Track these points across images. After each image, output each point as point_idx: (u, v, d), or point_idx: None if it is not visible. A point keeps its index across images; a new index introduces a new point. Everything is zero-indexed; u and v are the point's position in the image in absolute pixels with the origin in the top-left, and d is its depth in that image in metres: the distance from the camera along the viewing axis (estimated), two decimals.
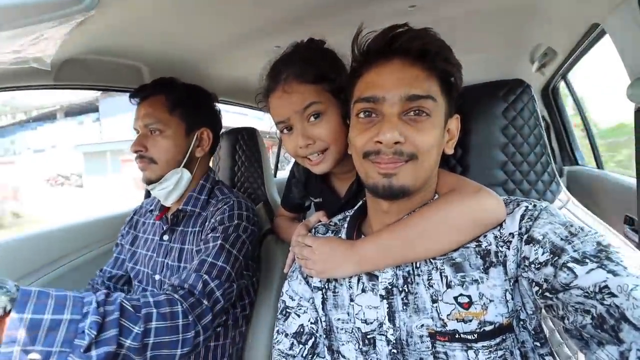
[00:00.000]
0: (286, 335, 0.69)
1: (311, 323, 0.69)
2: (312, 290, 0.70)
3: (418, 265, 0.59)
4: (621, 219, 1.14)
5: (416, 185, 0.56)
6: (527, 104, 0.79)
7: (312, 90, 0.76)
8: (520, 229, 0.53)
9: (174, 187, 0.98)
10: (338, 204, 0.90)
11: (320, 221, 0.82)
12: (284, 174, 2.81)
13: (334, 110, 0.77)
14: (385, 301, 0.59)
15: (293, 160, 1.01)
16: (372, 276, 0.62)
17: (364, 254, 0.61)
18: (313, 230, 0.79)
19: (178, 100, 0.98)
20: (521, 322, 0.53)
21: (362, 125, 0.58)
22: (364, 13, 1.07)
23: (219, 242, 0.84)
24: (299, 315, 0.69)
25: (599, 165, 1.66)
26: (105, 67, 1.11)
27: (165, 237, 1.01)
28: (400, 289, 0.59)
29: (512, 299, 0.52)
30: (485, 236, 0.56)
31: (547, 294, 0.46)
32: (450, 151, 0.62)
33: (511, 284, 0.53)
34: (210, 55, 1.27)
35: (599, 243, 0.45)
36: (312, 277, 0.70)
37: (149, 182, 0.97)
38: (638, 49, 0.79)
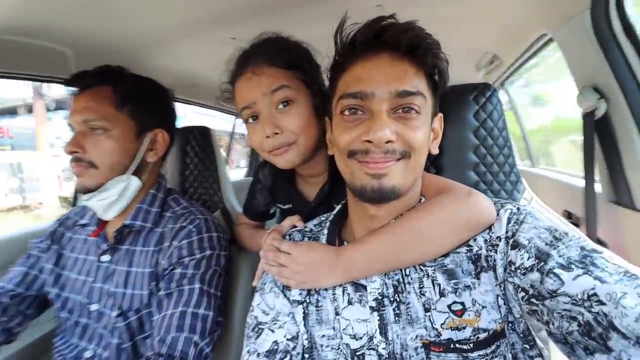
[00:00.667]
0: (258, 354, 0.61)
1: (287, 339, 0.61)
2: (291, 304, 0.63)
3: (408, 273, 0.56)
4: (559, 212, 1.26)
5: (406, 186, 0.54)
6: (495, 107, 0.81)
7: (283, 74, 0.70)
8: (507, 232, 0.52)
9: (117, 197, 0.82)
10: (307, 209, 0.84)
11: (295, 226, 0.74)
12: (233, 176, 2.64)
13: (305, 100, 0.72)
14: (376, 313, 0.55)
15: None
16: (358, 286, 0.58)
17: (353, 261, 0.56)
18: (287, 237, 0.72)
19: (129, 95, 0.82)
20: (510, 325, 0.53)
21: (347, 123, 0.54)
22: (327, 8, 1.02)
23: (197, 285, 0.74)
24: (273, 331, 0.62)
25: (533, 163, 1.84)
26: (20, 50, 0.90)
27: (105, 258, 0.84)
28: (391, 299, 0.55)
29: (504, 303, 0.52)
30: (475, 240, 0.54)
31: (533, 300, 0.46)
32: (435, 151, 0.60)
33: (501, 288, 0.52)
34: (154, 43, 1.11)
35: (582, 248, 0.45)
36: (290, 288, 0.63)
37: (85, 190, 0.79)
38: (586, 60, 0.86)
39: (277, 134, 0.70)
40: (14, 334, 0.85)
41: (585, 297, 0.40)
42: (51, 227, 0.96)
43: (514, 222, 0.52)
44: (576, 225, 1.13)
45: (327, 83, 0.65)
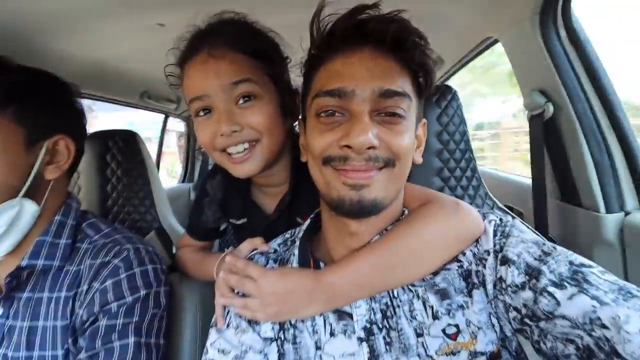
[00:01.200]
0: None
1: None
2: (263, 341, 0.53)
3: (396, 295, 0.49)
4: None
5: (389, 198, 0.48)
6: (457, 110, 0.79)
7: (247, 62, 0.59)
8: (494, 246, 0.48)
9: (6, 229, 0.61)
10: (264, 223, 0.73)
11: (255, 249, 0.63)
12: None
13: (270, 97, 0.61)
14: (365, 344, 0.48)
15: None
16: (341, 314, 0.50)
17: (336, 287, 0.48)
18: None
19: (11, 92, 0.61)
20: (501, 343, 0.49)
21: (323, 126, 0.47)
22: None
23: (131, 340, 0.58)
24: None
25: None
26: None
27: None
28: (380, 326, 0.49)
29: (497, 322, 0.48)
30: (464, 254, 0.50)
31: (527, 320, 0.43)
32: (419, 160, 0.54)
33: (492, 306, 0.48)
34: (58, 25, 0.87)
35: (571, 262, 0.43)
36: (258, 322, 0.53)
37: None
38: (533, 64, 0.89)
39: (235, 131, 0.59)
40: None
41: (587, 320, 0.37)
42: None
43: (500, 235, 0.49)
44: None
45: (297, 79, 0.57)
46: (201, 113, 0.61)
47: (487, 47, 1.16)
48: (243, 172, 0.63)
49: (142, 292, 0.63)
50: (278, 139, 0.63)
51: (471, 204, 0.80)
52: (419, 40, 0.45)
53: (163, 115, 2.16)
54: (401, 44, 0.45)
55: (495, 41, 1.06)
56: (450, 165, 0.79)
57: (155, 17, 0.93)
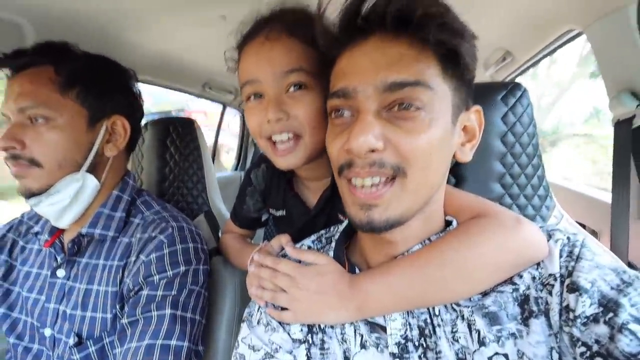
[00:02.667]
0: None
1: None
2: (292, 342, 0.51)
3: (437, 313, 0.45)
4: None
5: (409, 214, 0.42)
6: (526, 109, 0.70)
7: (302, 51, 0.57)
8: (561, 269, 0.41)
9: (71, 200, 0.68)
10: (305, 217, 0.72)
11: (283, 248, 0.61)
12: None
13: (319, 91, 0.59)
14: None
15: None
16: (374, 326, 0.47)
17: (370, 295, 0.45)
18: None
19: (75, 75, 0.68)
20: None
21: (335, 128, 0.44)
22: None
23: (168, 311, 0.61)
24: None
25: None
26: None
27: (60, 274, 0.71)
28: (417, 344, 0.45)
29: (560, 357, 0.41)
30: (521, 276, 0.44)
31: (598, 358, 0.36)
32: (466, 157, 0.47)
33: (557, 339, 0.41)
34: (127, 18, 0.95)
35: None
36: (287, 323, 0.51)
37: (29, 194, 0.65)
38: (623, 61, 0.77)
39: (281, 119, 0.58)
40: None
41: None
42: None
43: (567, 256, 0.42)
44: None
45: None
46: (252, 98, 0.61)
47: (569, 41, 1.03)
48: (285, 164, 0.62)
49: (182, 268, 0.66)
50: (321, 134, 0.60)
51: (535, 215, 0.71)
52: (432, 15, 0.38)
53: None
54: (407, 23, 0.38)
55: (579, 34, 0.93)
56: (513, 171, 0.71)
57: (218, 9, 0.97)
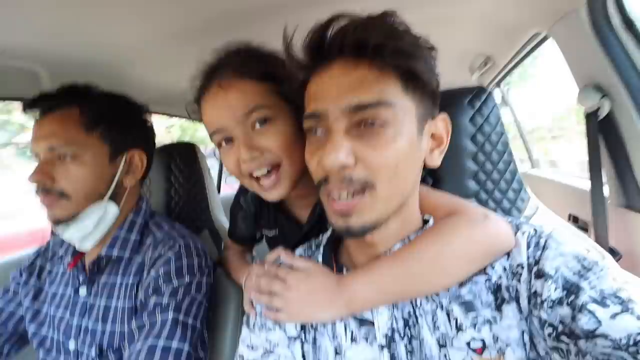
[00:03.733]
0: None
1: None
2: (288, 339, 0.56)
3: (419, 304, 0.49)
4: (564, 217, 1.20)
5: (383, 218, 0.46)
6: (492, 110, 0.76)
7: (256, 89, 0.60)
8: (528, 259, 0.46)
9: (94, 227, 0.75)
10: (299, 234, 0.76)
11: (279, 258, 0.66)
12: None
13: (285, 117, 0.62)
14: (386, 350, 0.48)
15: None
16: (362, 321, 0.51)
17: (356, 292, 0.49)
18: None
19: (98, 115, 0.76)
20: None
21: (312, 147, 0.49)
22: (320, 15, 0.98)
23: (170, 316, 0.66)
24: None
25: (533, 165, 1.79)
26: None
27: (82, 292, 0.78)
28: (402, 334, 0.49)
29: (530, 340, 0.45)
30: (493, 267, 0.48)
31: (563, 337, 0.40)
32: (434, 163, 0.51)
33: (527, 323, 0.45)
34: (133, 56, 1.06)
35: (615, 279, 0.40)
36: (279, 322, 0.56)
37: (57, 222, 0.73)
38: (586, 57, 0.82)
39: (255, 157, 0.61)
40: None
41: (631, 342, 0.35)
42: (29, 259, 0.89)
43: (535, 247, 0.46)
44: (584, 230, 1.07)
45: None
46: (223, 143, 0.64)
47: (540, 43, 1.08)
48: (273, 197, 0.65)
49: (187, 279, 0.72)
50: (300, 156, 0.61)
51: (511, 208, 0.76)
52: (385, 42, 0.42)
53: None
54: (364, 49, 0.42)
55: (546, 38, 0.99)
56: (486, 168, 0.76)
57: (211, 43, 1.07)
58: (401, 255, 0.50)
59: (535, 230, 0.48)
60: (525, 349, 0.44)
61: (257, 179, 0.64)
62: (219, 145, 0.65)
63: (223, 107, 0.60)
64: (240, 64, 0.61)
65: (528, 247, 0.46)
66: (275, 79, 0.60)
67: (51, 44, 0.86)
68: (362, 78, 0.43)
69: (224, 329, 0.86)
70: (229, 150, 0.63)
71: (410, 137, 0.45)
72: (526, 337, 0.44)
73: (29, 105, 0.75)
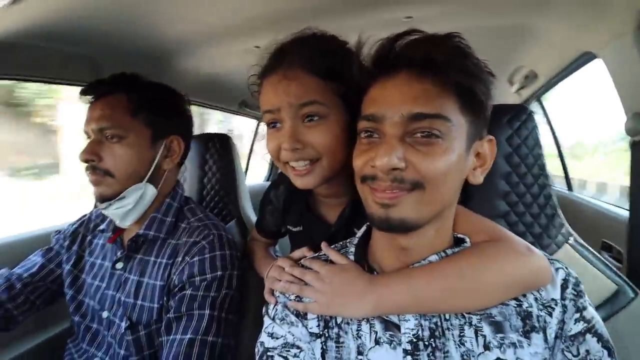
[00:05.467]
0: None
1: None
2: (310, 335, 0.57)
3: (447, 318, 0.50)
4: (597, 244, 1.16)
5: (422, 220, 0.48)
6: (531, 132, 0.74)
7: (317, 85, 0.61)
8: (563, 299, 0.49)
9: (134, 205, 0.81)
10: (327, 233, 0.77)
11: (305, 256, 0.68)
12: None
13: (337, 117, 0.63)
14: (409, 357, 0.49)
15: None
16: (388, 324, 0.52)
17: (388, 295, 0.50)
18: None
19: (143, 102, 0.82)
20: None
21: (362, 146, 0.51)
22: (357, 21, 0.99)
23: (207, 311, 0.72)
24: (286, 359, 0.54)
25: (569, 187, 1.71)
26: (49, 55, 0.92)
27: (119, 266, 0.84)
28: (426, 343, 0.50)
29: None
30: (525, 296, 0.50)
31: None
32: (476, 180, 0.52)
33: (550, 353, 0.48)
34: (181, 48, 1.12)
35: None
36: (306, 317, 0.57)
37: (103, 199, 0.79)
38: (635, 82, 0.78)
39: (297, 149, 0.62)
40: (15, 322, 0.87)
41: None
42: (72, 226, 0.97)
43: (572, 290, 0.50)
44: (618, 261, 1.03)
45: None
46: (271, 125, 0.66)
47: (585, 63, 1.04)
48: (303, 184, 0.66)
49: (219, 273, 0.77)
50: (340, 157, 0.64)
51: (542, 233, 0.74)
52: (452, 59, 0.44)
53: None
54: (432, 65, 0.45)
55: (594, 56, 0.95)
56: (519, 189, 0.75)
57: (253, 40, 1.11)
58: (442, 268, 0.50)
59: (569, 274, 0.51)
60: None
61: (292, 166, 0.66)
62: (267, 125, 0.67)
63: (283, 93, 0.62)
64: (309, 59, 0.62)
65: (564, 287, 0.50)
66: (339, 79, 0.62)
67: (106, 33, 0.92)
68: (425, 91, 0.45)
69: (244, 317, 0.90)
70: (275, 133, 0.65)
71: (459, 154, 0.47)
72: None
73: (84, 92, 0.83)
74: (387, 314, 0.52)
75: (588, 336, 0.48)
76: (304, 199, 0.82)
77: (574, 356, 0.47)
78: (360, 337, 0.53)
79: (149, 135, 0.82)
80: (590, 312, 0.49)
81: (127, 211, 0.81)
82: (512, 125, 0.75)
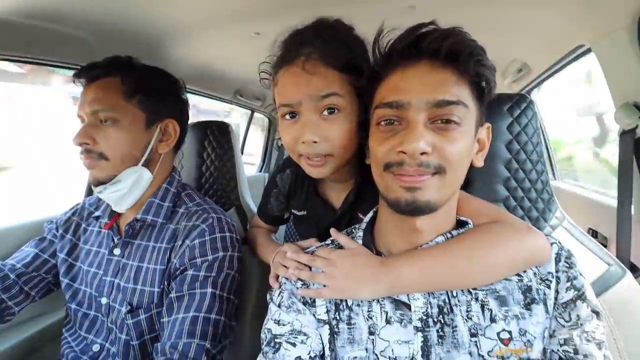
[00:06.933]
0: None
1: (310, 357, 0.55)
2: (317, 322, 0.58)
3: (455, 294, 0.53)
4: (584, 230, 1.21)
5: (442, 201, 0.51)
6: (531, 120, 0.77)
7: (337, 78, 0.61)
8: (557, 271, 0.53)
9: (129, 189, 0.80)
10: (331, 218, 0.79)
11: (312, 246, 0.69)
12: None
13: (353, 109, 0.63)
14: (420, 334, 0.52)
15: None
16: (398, 304, 0.54)
17: (401, 275, 0.52)
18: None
19: (137, 85, 0.80)
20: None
21: (383, 134, 0.52)
22: (358, 8, 0.99)
23: (209, 290, 0.72)
24: (294, 345, 0.55)
25: (555, 177, 1.78)
26: (40, 35, 0.89)
27: (117, 252, 0.83)
28: (435, 320, 0.52)
29: (549, 336, 0.52)
30: (525, 271, 0.54)
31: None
32: (480, 163, 0.57)
33: (550, 322, 0.52)
34: (175, 34, 1.09)
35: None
36: (315, 304, 0.58)
37: (97, 182, 0.78)
38: (627, 75, 0.82)
39: (315, 142, 0.63)
40: (11, 314, 0.85)
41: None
42: (65, 215, 0.95)
43: (565, 263, 0.54)
44: (603, 245, 1.09)
45: None
46: (287, 117, 0.65)
47: (580, 56, 1.08)
48: (317, 174, 0.68)
49: (220, 254, 0.77)
50: (351, 150, 0.66)
51: (539, 217, 0.77)
52: (475, 52, 0.48)
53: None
54: (455, 56, 0.48)
55: (588, 50, 0.98)
56: (518, 175, 0.78)
57: (253, 27, 1.09)
58: (450, 248, 0.53)
59: (562, 247, 0.55)
60: (543, 342, 0.51)
61: (307, 157, 0.66)
62: (282, 117, 0.66)
63: (302, 86, 0.61)
64: (329, 52, 0.61)
65: (557, 260, 0.54)
66: (357, 72, 0.62)
67: (100, 13, 0.89)
68: (445, 80, 0.48)
69: (247, 302, 0.91)
70: (292, 125, 0.65)
71: (471, 138, 0.51)
72: (546, 333, 0.52)
73: (77, 75, 0.81)
74: (399, 294, 0.54)
75: (578, 302, 0.52)
76: (310, 183, 0.83)
77: (566, 322, 0.51)
78: (371, 318, 0.55)
79: (143, 119, 0.81)
80: (580, 280, 0.53)
81: (122, 195, 0.80)
82: (512, 114, 0.77)
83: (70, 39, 0.96)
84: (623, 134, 0.84)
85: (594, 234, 1.15)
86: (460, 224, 0.59)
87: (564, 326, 0.51)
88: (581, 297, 0.52)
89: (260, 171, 2.63)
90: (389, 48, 0.53)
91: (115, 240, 0.84)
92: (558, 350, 0.50)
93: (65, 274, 0.88)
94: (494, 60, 0.52)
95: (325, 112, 0.62)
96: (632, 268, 0.80)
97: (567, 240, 0.74)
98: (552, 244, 0.55)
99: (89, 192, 1.24)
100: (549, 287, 0.53)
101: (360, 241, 0.62)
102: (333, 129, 0.63)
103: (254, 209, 1.11)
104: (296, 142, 0.65)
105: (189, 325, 0.69)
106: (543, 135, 1.85)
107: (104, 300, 0.81)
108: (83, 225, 0.92)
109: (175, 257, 0.77)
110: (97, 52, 1.02)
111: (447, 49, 0.48)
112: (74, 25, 0.93)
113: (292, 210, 0.90)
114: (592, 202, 1.25)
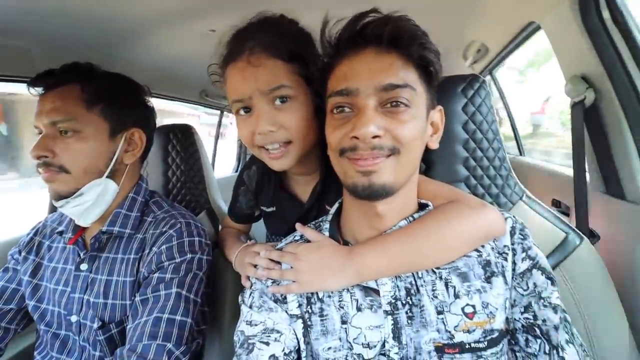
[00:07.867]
0: None
1: (285, 354, 0.56)
2: (290, 317, 0.59)
3: (420, 276, 0.55)
4: (548, 202, 1.26)
5: (399, 183, 0.52)
6: (484, 100, 0.79)
7: (283, 68, 0.63)
8: (513, 244, 0.56)
9: (94, 202, 0.77)
10: (299, 211, 0.79)
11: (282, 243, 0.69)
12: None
13: (304, 98, 0.65)
14: (390, 317, 0.53)
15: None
16: (367, 290, 0.56)
17: (367, 263, 0.54)
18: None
19: (99, 93, 0.76)
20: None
21: (336, 122, 0.53)
22: (309, 1, 0.98)
23: (174, 290, 0.70)
24: (268, 344, 0.56)
25: (521, 152, 1.84)
26: None
27: (84, 267, 0.80)
28: (404, 302, 0.54)
29: (510, 306, 0.55)
30: (483, 246, 0.57)
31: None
32: (435, 145, 0.59)
33: (510, 292, 0.55)
34: (127, 35, 1.05)
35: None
36: (286, 301, 0.59)
37: (58, 197, 0.74)
38: (574, 48, 0.85)
39: (272, 131, 0.64)
40: None
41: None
42: (27, 236, 0.91)
43: (519, 235, 0.57)
44: (565, 214, 1.13)
45: None
46: (241, 112, 0.66)
47: (531, 34, 1.11)
48: (279, 166, 0.68)
49: (188, 256, 0.75)
50: (310, 137, 0.67)
51: (499, 193, 0.80)
52: (416, 36, 0.50)
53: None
54: (398, 41, 0.49)
55: (538, 27, 1.01)
56: (476, 154, 0.80)
57: (207, 24, 1.07)
58: (411, 231, 0.55)
59: (515, 220, 0.58)
60: (505, 312, 0.54)
61: (267, 149, 0.67)
62: (237, 112, 0.67)
63: (250, 80, 0.62)
64: (272, 44, 0.62)
65: (512, 233, 0.57)
66: (302, 61, 0.64)
67: (42, 22, 0.85)
68: (391, 64, 0.50)
69: (222, 304, 0.90)
70: (246, 119, 0.66)
71: (422, 119, 0.53)
72: (507, 303, 0.55)
73: (32, 83, 0.76)
74: (367, 281, 0.55)
75: (534, 271, 0.55)
76: (276, 178, 0.83)
77: (524, 290, 0.55)
78: (343, 307, 0.56)
79: (107, 129, 0.77)
80: (534, 250, 0.56)
81: (86, 208, 0.77)
82: (466, 94, 0.78)
83: (11, 52, 0.91)
84: (574, 106, 0.87)
85: (558, 204, 1.19)
86: (421, 206, 0.61)
87: (523, 295, 0.54)
88: (536, 265, 0.55)
89: (236, 171, 2.60)
90: (336, 38, 0.54)
91: (82, 255, 0.81)
92: (520, 318, 0.54)
93: (30, 296, 0.84)
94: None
95: (278, 102, 0.64)
96: (591, 234, 0.83)
97: (527, 213, 0.77)
98: (506, 218, 0.58)
99: (52, 209, 1.19)
100: (506, 259, 0.55)
101: (327, 233, 0.62)
102: (288, 116, 0.64)
103: (226, 210, 1.10)
104: (253, 135, 0.65)
105: (151, 327, 0.66)
106: (508, 114, 1.90)
107: (73, 318, 0.78)
108: (47, 243, 0.89)
109: (144, 266, 0.75)
110: (42, 63, 0.97)
111: (389, 34, 0.49)
112: (14, 36, 0.88)
113: (262, 207, 0.90)
114: (555, 173, 1.30)
